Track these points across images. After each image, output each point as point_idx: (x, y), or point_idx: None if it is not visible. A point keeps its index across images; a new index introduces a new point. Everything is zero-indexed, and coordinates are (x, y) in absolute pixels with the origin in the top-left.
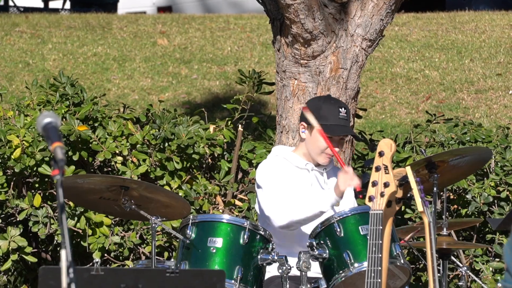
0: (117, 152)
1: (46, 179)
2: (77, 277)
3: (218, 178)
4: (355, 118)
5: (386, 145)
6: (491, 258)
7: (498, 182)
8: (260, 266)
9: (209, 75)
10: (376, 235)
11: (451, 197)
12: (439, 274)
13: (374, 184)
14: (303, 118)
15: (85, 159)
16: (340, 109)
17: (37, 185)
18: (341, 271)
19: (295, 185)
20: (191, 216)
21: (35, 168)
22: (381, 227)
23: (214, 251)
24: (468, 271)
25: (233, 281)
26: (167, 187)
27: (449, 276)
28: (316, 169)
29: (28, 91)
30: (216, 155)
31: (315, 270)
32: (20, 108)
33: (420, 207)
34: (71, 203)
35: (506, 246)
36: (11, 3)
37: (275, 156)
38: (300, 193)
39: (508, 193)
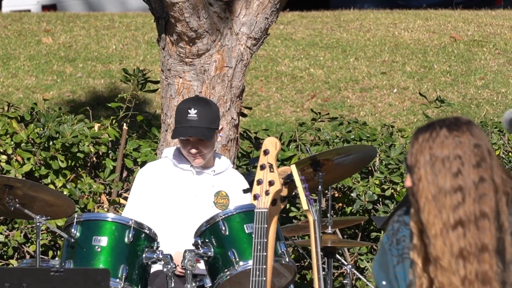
0: (1, 150)
1: None
2: None
3: (103, 176)
4: (240, 117)
5: (271, 144)
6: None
7: (382, 180)
8: (145, 264)
9: (94, 74)
10: (261, 233)
11: (336, 195)
12: (324, 273)
13: (259, 182)
14: None
15: None
16: (189, 110)
17: None
18: (226, 270)
19: (162, 200)
20: (76, 215)
21: None
22: (266, 226)
23: (99, 250)
24: (353, 269)
25: (118, 280)
26: (51, 186)
27: (334, 274)
28: (206, 172)
29: None
30: (101, 154)
31: (200, 267)
32: None
33: (305, 206)
34: None
35: (375, 262)
36: None
37: (164, 158)
38: (158, 213)
39: (392, 191)
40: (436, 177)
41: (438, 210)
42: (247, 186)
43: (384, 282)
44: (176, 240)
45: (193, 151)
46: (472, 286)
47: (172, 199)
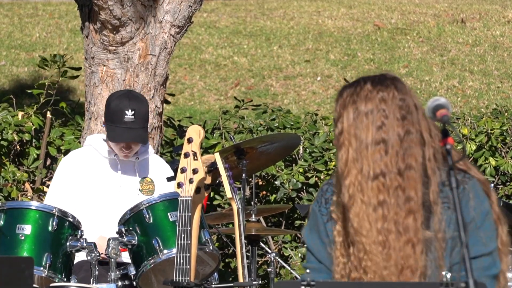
0: None
1: None
2: None
3: (26, 164)
4: (164, 104)
5: (194, 132)
6: (299, 244)
7: (306, 168)
8: (69, 253)
9: (17, 62)
10: (185, 221)
11: (260, 183)
12: (248, 261)
13: (183, 170)
14: None
15: None
16: (127, 111)
17: None
18: (150, 258)
19: (86, 189)
20: (0, 203)
21: None
22: (190, 214)
23: (23, 238)
24: (277, 257)
25: (42, 268)
26: None
27: (258, 262)
28: (130, 159)
29: None
30: (24, 142)
31: (124, 256)
32: None
33: (229, 194)
34: None
35: (306, 227)
36: None
37: (87, 146)
38: (82, 202)
39: (316, 179)
40: (359, 130)
41: (359, 163)
42: (170, 170)
43: (308, 270)
44: (101, 228)
45: (126, 150)
46: (391, 234)
47: (97, 188)
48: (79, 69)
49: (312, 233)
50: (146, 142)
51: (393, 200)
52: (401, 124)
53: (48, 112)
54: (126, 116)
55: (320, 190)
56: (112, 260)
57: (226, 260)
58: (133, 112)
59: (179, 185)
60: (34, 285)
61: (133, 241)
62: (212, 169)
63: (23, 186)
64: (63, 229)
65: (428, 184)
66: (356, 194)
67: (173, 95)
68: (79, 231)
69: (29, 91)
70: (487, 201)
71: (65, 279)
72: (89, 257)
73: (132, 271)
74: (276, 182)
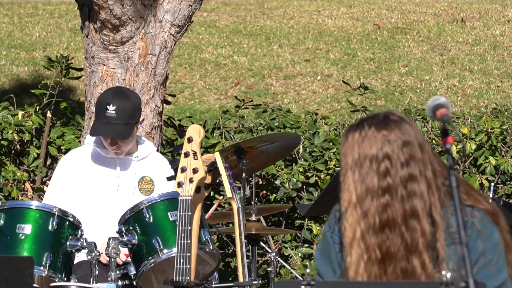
0: None
1: None
2: None
3: (27, 164)
4: (164, 104)
5: (194, 131)
6: (300, 244)
7: (306, 168)
8: (69, 252)
9: (17, 61)
10: (185, 221)
11: (260, 182)
12: (248, 260)
13: (183, 170)
14: None
15: None
16: (108, 107)
17: None
18: (150, 257)
19: (85, 187)
20: (0, 203)
21: None
22: (190, 213)
23: (23, 237)
24: (277, 257)
25: (42, 268)
26: None
27: (258, 262)
28: (129, 158)
29: None
30: (25, 141)
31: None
32: None
33: (229, 193)
34: None
35: (317, 250)
36: None
37: (87, 145)
38: (80, 200)
39: (316, 178)
40: (364, 178)
41: (363, 212)
42: (170, 169)
43: (318, 278)
44: (100, 227)
45: (112, 146)
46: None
47: (95, 187)
48: (81, 69)
49: (323, 259)
50: (126, 138)
51: (401, 248)
52: (406, 170)
53: (48, 112)
54: (107, 111)
55: (333, 215)
56: (112, 260)
57: (226, 260)
58: (114, 107)
59: (179, 185)
60: (34, 285)
61: (133, 241)
62: (212, 168)
63: (23, 186)
64: (63, 229)
65: (434, 225)
66: (361, 247)
67: (174, 95)
68: (79, 230)
69: (32, 91)
70: (496, 231)
71: (65, 279)
72: (89, 257)
73: (132, 270)
74: (276, 182)
